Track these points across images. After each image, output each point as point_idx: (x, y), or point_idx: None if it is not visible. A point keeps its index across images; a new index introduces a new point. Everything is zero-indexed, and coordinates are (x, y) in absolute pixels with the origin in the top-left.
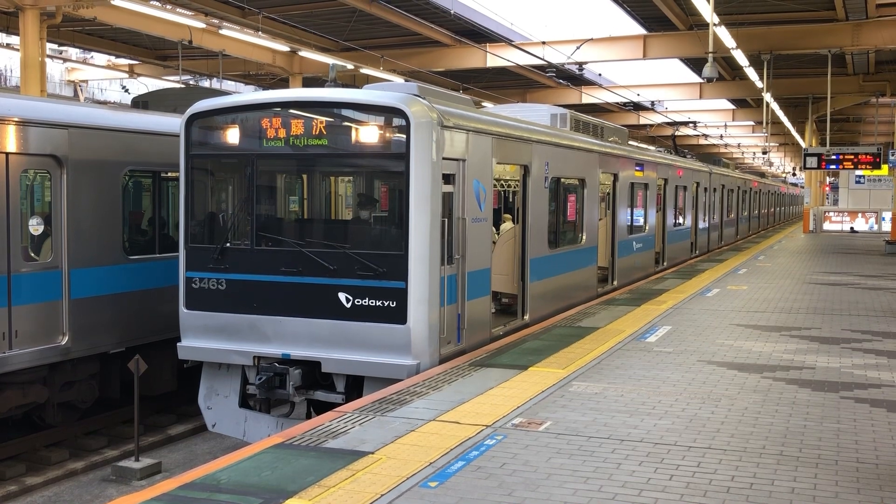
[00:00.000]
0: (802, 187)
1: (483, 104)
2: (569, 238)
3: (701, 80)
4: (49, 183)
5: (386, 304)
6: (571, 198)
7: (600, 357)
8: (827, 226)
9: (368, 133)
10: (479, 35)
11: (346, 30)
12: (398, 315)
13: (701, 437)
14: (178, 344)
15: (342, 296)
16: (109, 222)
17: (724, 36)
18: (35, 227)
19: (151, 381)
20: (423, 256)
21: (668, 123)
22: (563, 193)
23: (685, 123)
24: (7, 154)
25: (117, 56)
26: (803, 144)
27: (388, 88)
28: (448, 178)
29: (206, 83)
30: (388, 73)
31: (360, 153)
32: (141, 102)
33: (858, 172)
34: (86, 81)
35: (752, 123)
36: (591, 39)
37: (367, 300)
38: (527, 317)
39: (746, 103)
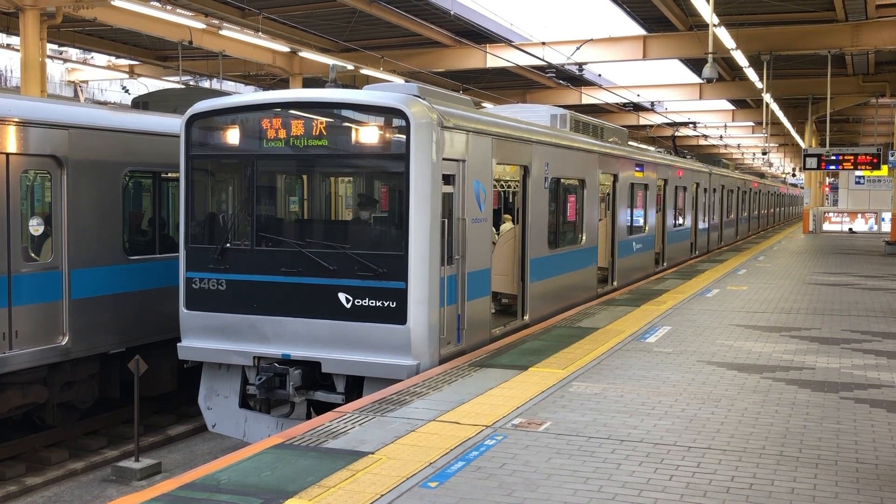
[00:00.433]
0: (802, 188)
1: (483, 105)
2: (569, 238)
3: (701, 81)
4: (49, 183)
5: (386, 304)
6: (571, 198)
7: (600, 357)
8: (827, 226)
9: (368, 134)
10: (479, 35)
11: (346, 30)
12: (398, 315)
13: (701, 438)
14: (178, 344)
15: (342, 296)
16: (109, 223)
17: (724, 36)
18: (35, 227)
19: (151, 381)
20: (423, 257)
21: (668, 124)
22: (562, 194)
23: (685, 124)
24: (7, 154)
25: (117, 56)
26: (803, 145)
27: (388, 89)
28: (448, 179)
29: (206, 84)
30: (389, 73)
31: (361, 154)
32: (141, 103)
33: (858, 173)
34: (86, 82)
35: (751, 124)
36: (591, 40)
37: (366, 300)
38: (527, 317)
39: (746, 104)
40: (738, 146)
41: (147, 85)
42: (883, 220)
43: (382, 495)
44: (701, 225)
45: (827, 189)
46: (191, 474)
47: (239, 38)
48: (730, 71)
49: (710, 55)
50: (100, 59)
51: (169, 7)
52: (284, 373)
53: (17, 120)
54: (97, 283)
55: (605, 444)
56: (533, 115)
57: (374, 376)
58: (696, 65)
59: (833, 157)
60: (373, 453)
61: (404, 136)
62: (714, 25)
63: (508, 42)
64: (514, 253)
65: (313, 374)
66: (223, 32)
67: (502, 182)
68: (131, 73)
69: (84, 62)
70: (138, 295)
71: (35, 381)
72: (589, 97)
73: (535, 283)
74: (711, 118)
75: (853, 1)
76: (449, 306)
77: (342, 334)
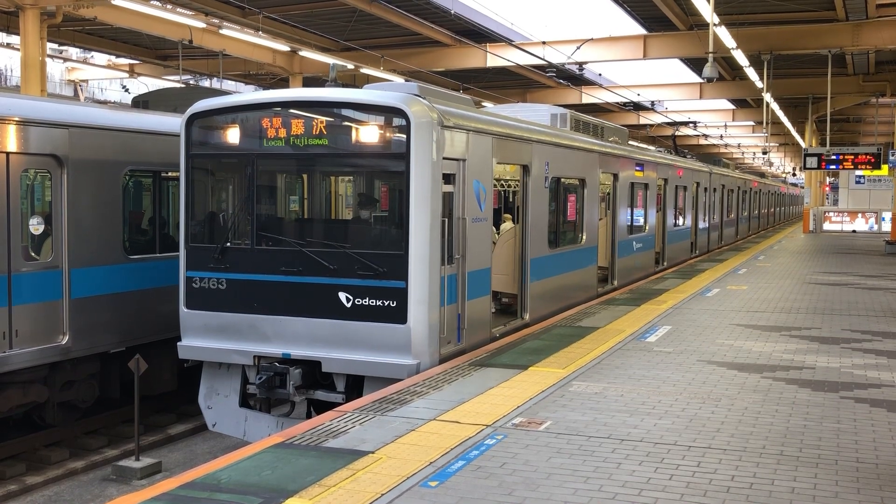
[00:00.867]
0: (802, 187)
1: (483, 104)
2: (569, 238)
3: (701, 80)
4: (49, 182)
5: (386, 303)
6: (571, 198)
7: (600, 357)
8: (827, 226)
9: (369, 133)
10: (479, 35)
11: (346, 30)
12: (398, 315)
13: (701, 437)
14: (178, 343)
15: (342, 295)
16: (110, 222)
17: (724, 36)
18: (35, 226)
19: (151, 380)
20: (423, 256)
21: (668, 123)
22: (563, 193)
23: (685, 123)
24: (7, 154)
25: (117, 56)
26: (803, 144)
27: (388, 88)
28: (448, 178)
29: (206, 83)
30: (389, 73)
31: (361, 153)
32: (141, 102)
33: (858, 173)
34: (86, 81)
35: (752, 123)
36: (592, 39)
37: (367, 300)
38: (527, 317)
39: (746, 103)
40: (739, 146)
41: (147, 84)
42: (883, 219)
43: (383, 494)
44: (701, 224)
45: (827, 189)
46: (191, 473)
47: (239, 37)
48: (730, 70)
49: (710, 55)
50: (100, 58)
51: (169, 6)
52: (285, 372)
53: (17, 119)
54: (97, 283)
55: (605, 443)
56: (533, 115)
57: (374, 375)
58: (696, 64)
59: (833, 157)
60: (373, 452)
61: (404, 136)
62: (714, 25)
63: (509, 41)
64: (514, 252)
65: (313, 373)
66: (223, 32)
67: (502, 181)
68: (131, 72)
69: (84, 61)
70: (138, 294)
71: (35, 380)
72: (589, 96)
73: (535, 283)
74: (711, 118)
75: (853, 0)
76: (449, 306)
77: (342, 334)
